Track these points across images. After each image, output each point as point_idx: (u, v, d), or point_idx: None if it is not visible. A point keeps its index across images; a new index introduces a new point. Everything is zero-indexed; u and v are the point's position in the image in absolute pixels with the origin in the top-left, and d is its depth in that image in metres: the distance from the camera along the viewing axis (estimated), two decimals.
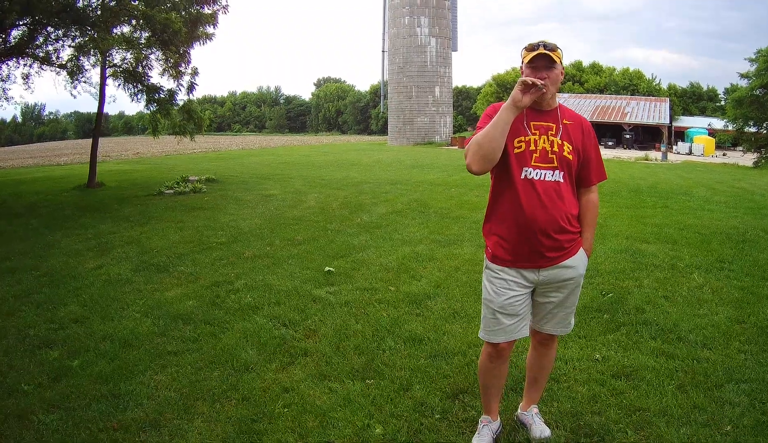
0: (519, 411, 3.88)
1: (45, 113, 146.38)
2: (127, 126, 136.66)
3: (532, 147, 3.28)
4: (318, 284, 6.97)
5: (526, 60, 3.25)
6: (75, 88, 19.27)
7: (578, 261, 3.44)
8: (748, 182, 21.96)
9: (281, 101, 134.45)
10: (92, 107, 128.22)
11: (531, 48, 3.25)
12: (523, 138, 3.28)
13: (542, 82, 3.11)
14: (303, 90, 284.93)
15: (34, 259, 8.88)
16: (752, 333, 5.40)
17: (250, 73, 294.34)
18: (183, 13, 17.68)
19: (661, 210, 13.16)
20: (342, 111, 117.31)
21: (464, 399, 4.11)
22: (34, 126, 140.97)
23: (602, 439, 3.65)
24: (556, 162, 3.28)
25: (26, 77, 18.87)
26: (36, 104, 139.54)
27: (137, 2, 17.55)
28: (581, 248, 3.46)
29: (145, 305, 6.37)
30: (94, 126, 21.85)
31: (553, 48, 3.22)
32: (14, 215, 13.55)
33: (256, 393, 4.27)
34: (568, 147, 3.32)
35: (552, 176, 3.28)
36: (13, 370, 4.79)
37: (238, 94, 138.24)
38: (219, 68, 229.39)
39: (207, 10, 18.96)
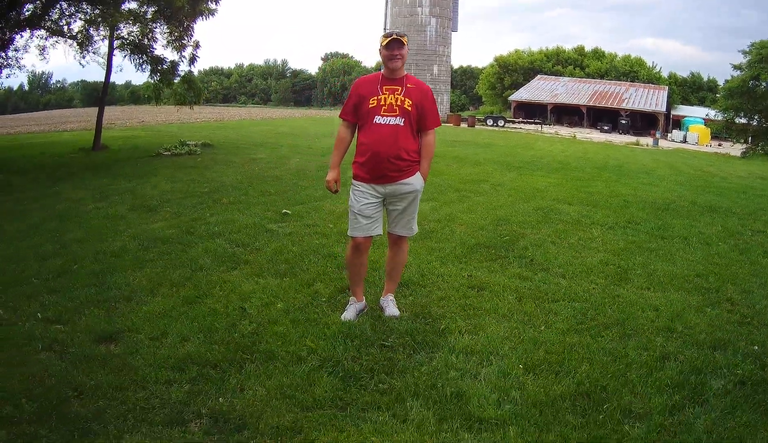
0: (381, 297, 5.29)
1: (52, 82, 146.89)
2: (133, 96, 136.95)
3: (382, 102, 4.77)
4: (274, 221, 8.52)
5: (384, 43, 4.74)
6: (84, 57, 20.78)
7: (414, 180, 4.91)
8: (719, 168, 22.81)
9: (288, 75, 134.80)
10: (98, 77, 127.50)
11: (387, 35, 4.78)
12: (376, 97, 4.79)
13: (335, 193, 5.10)
14: (310, 64, 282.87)
15: (42, 203, 10.44)
16: (612, 270, 6.50)
17: (258, 45, 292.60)
18: None
19: (608, 184, 14.10)
20: (347, 86, 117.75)
21: (346, 294, 5.50)
22: (40, 94, 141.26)
23: (435, 321, 4.98)
24: (398, 112, 4.76)
25: (42, 49, 20.23)
26: (43, 73, 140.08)
27: None
28: (418, 172, 4.93)
29: (135, 232, 7.98)
30: (101, 93, 23.26)
31: (402, 35, 4.79)
32: (22, 172, 14.99)
33: (203, 283, 5.88)
34: (409, 102, 4.78)
35: (395, 120, 4.76)
36: (26, 271, 6.36)
37: (245, 66, 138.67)
38: (227, 40, 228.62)
39: None
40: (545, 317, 5.15)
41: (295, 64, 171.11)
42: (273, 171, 14.19)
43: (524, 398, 3.73)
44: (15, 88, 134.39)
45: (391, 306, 5.15)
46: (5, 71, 21.37)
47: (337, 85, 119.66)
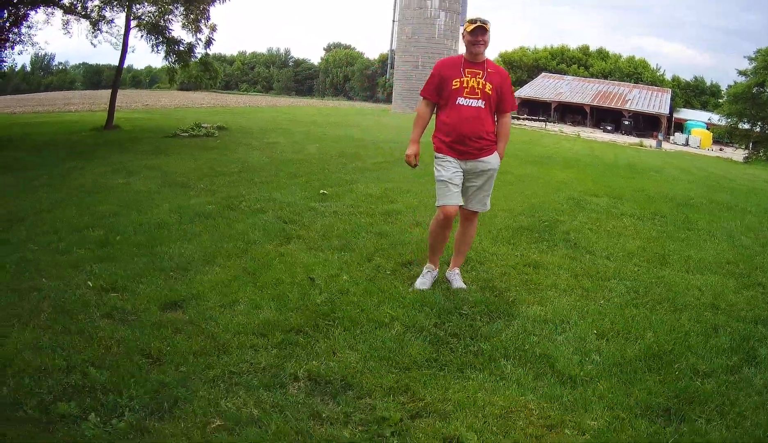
0: (447, 271, 5.47)
1: (54, 64, 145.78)
2: (134, 80, 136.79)
3: (465, 85, 5.00)
4: (314, 200, 8.51)
5: (469, 30, 4.97)
6: (96, 37, 20.75)
7: (492, 159, 5.16)
8: (725, 171, 23.08)
9: (290, 64, 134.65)
10: (101, 59, 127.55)
11: (471, 21, 4.98)
12: (459, 79, 5.02)
13: (415, 167, 5.29)
14: (312, 54, 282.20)
15: (63, 178, 10.32)
16: (651, 255, 6.83)
17: (261, 33, 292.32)
18: None
19: (626, 180, 14.32)
20: (350, 77, 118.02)
21: (410, 267, 5.71)
22: (42, 76, 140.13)
23: (502, 293, 5.20)
24: (480, 95, 5.00)
25: (66, 23, 20.16)
26: (46, 54, 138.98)
27: None
28: (495, 152, 5.18)
29: (172, 206, 7.91)
30: (116, 73, 23.22)
31: (486, 21, 4.98)
32: (35, 149, 14.87)
33: (260, 255, 5.87)
34: (489, 86, 5.02)
35: (476, 103, 5.01)
36: (64, 241, 6.24)
37: (247, 54, 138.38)
38: (230, 27, 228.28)
39: None
40: (602, 292, 5.44)
41: (297, 54, 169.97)
42: (295, 155, 14.13)
43: (603, 359, 4.03)
44: (18, 68, 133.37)
45: (457, 279, 5.37)
46: (17, 47, 21.36)
47: (339, 75, 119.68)
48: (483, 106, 5.02)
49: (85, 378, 3.44)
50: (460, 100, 4.99)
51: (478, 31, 4.95)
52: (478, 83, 5.00)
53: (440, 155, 5.12)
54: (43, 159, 12.88)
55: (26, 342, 3.87)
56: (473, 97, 4.99)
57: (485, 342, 4.20)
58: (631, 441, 3.17)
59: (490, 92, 5.02)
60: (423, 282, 5.15)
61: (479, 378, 3.70)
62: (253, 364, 3.68)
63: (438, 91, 5.13)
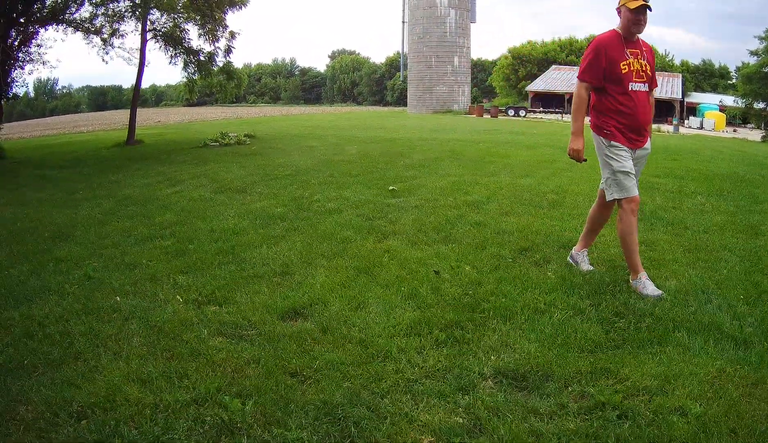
0: (574, 251, 5.23)
1: (58, 88, 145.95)
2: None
3: (631, 67, 4.62)
4: (386, 197, 8.15)
5: (632, 7, 4.51)
6: (107, 53, 20.44)
7: (649, 144, 4.92)
8: (754, 150, 23.01)
9: (296, 73, 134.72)
10: (105, 81, 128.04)
11: None
12: (625, 61, 4.61)
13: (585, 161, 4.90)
14: (318, 62, 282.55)
15: (105, 191, 9.89)
16: (741, 227, 6.75)
17: (265, 45, 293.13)
18: None
19: (674, 162, 13.96)
20: (357, 82, 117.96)
21: (528, 254, 5.43)
22: (46, 100, 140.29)
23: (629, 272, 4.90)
24: (645, 78, 4.68)
25: (87, 35, 19.88)
26: (49, 79, 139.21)
27: None
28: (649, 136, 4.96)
29: (238, 211, 7.49)
30: (135, 87, 22.91)
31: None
32: (61, 167, 14.33)
33: (363, 253, 5.49)
34: (649, 66, 4.71)
35: (644, 87, 4.68)
36: (128, 255, 5.79)
37: (253, 66, 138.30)
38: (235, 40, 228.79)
39: None
40: (721, 263, 5.38)
41: (303, 63, 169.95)
42: (337, 157, 13.71)
43: (758, 322, 4.04)
44: (21, 94, 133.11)
45: (586, 261, 5.20)
46: (28, 67, 21.03)
47: (346, 81, 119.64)
48: (647, 90, 4.73)
49: (226, 411, 2.88)
50: (633, 86, 4.64)
51: (642, 10, 4.55)
52: (642, 65, 4.67)
53: (617, 144, 4.70)
54: (74, 175, 12.51)
55: (125, 373, 3.28)
56: (640, 81, 4.66)
57: (649, 317, 4.09)
58: None
59: (650, 74, 4.73)
60: (652, 289, 4.55)
61: (667, 351, 3.61)
62: (424, 368, 3.31)
63: (605, 75, 4.68)
